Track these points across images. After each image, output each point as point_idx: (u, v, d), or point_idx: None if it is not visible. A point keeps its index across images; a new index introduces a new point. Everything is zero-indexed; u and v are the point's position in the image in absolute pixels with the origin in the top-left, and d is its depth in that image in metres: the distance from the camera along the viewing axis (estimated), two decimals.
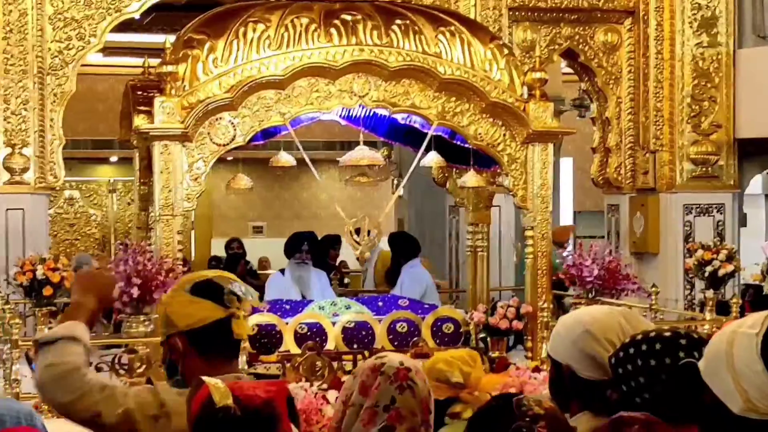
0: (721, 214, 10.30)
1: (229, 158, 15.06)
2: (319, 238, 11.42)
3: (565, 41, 10.20)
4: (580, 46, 10.26)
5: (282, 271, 9.97)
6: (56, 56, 9.09)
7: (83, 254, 13.39)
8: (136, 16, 9.48)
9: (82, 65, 8.65)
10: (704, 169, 10.22)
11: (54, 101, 9.08)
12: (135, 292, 6.72)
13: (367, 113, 8.12)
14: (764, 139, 10.13)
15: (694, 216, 10.25)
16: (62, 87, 9.11)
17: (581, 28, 10.27)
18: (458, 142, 7.85)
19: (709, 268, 7.69)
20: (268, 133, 7.79)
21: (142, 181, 8.45)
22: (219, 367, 3.17)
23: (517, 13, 10.01)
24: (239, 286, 3.27)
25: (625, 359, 2.76)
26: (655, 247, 10.18)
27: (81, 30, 9.14)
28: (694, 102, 10.20)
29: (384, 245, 10.83)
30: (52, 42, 9.08)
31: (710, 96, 10.22)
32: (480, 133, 7.53)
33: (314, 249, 9.99)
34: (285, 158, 8.12)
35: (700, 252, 7.78)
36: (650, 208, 10.27)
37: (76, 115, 17.10)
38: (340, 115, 8.15)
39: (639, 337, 2.78)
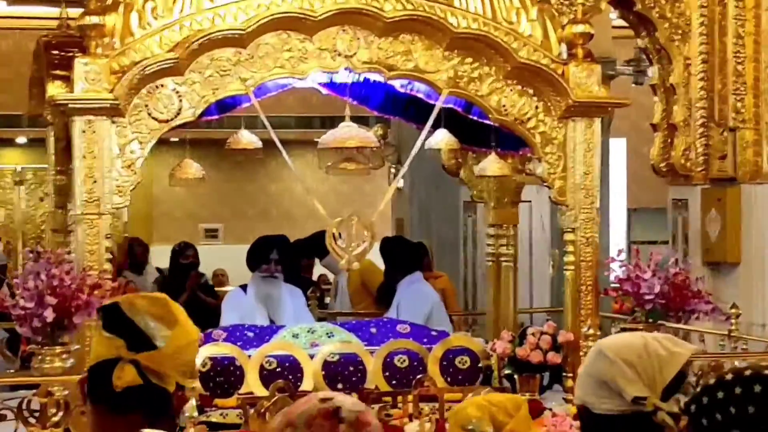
0: None
1: (174, 139, 15.07)
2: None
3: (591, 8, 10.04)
4: None
5: (243, 287, 9.71)
6: None
7: None
8: None
9: None
10: None
11: None
12: (49, 315, 6.58)
13: (356, 79, 8.07)
14: None
15: None
16: None
17: None
18: (475, 117, 7.79)
19: None
20: (224, 106, 7.74)
21: (58, 168, 8.27)
22: (110, 425, 3.09)
23: None
24: (144, 319, 3.09)
25: (712, 406, 2.68)
26: (734, 256, 9.94)
27: None
28: None
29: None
30: None
31: None
32: (504, 105, 7.46)
33: (286, 259, 9.72)
34: (247, 139, 8.09)
35: None
36: (729, 203, 10.04)
37: None
38: (320, 82, 8.09)
39: (728, 377, 2.69)
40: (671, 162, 10.17)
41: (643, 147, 12.81)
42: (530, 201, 9.51)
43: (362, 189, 18.39)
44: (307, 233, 13.35)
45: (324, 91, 8.39)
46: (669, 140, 10.19)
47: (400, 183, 12.28)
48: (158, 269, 16.53)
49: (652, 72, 10.56)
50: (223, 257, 18.35)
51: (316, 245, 10.43)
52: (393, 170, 15.24)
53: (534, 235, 9.93)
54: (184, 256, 13.91)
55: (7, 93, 16.51)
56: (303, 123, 18.44)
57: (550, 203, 8.61)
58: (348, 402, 2.87)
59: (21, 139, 19.04)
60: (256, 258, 9.40)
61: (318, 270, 14.33)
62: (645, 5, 9.95)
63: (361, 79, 8.09)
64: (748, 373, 2.68)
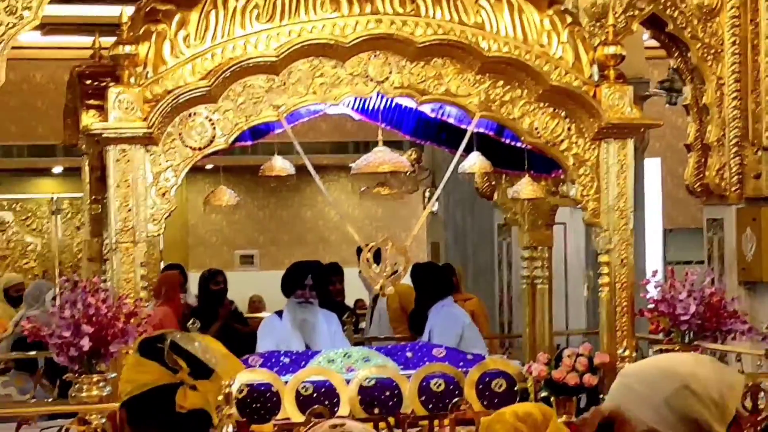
0: None
1: (209, 166, 14.99)
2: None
3: (648, 5, 9.84)
4: (668, 11, 9.85)
5: (279, 313, 9.65)
6: None
7: (41, 282, 13.08)
8: None
9: (13, 47, 8.39)
10: None
11: None
12: (86, 343, 6.50)
13: (388, 104, 8.00)
14: None
15: None
16: None
17: None
18: (508, 140, 7.75)
19: None
20: (257, 132, 7.68)
21: (93, 197, 8.11)
22: None
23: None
24: (199, 345, 3.13)
25: None
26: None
27: (10, 2, 8.96)
28: None
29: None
30: None
31: None
32: (537, 128, 7.39)
33: (321, 284, 9.73)
34: (281, 165, 7.97)
35: None
36: (765, 222, 9.90)
37: (6, 114, 17.08)
38: (353, 107, 8.02)
39: None
40: (706, 182, 10.06)
41: (677, 167, 12.67)
42: (564, 223, 9.36)
43: (397, 213, 18.25)
44: (342, 259, 13.32)
45: (356, 116, 8.27)
46: (703, 160, 10.07)
47: (435, 207, 12.12)
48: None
49: (686, 92, 10.33)
50: (258, 283, 18.23)
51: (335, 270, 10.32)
52: (427, 194, 15.09)
53: (569, 257, 9.78)
54: (215, 282, 13.76)
55: (43, 123, 16.41)
56: (337, 148, 18.27)
57: (585, 225, 8.53)
58: (358, 428, 2.84)
59: (57, 169, 18.99)
60: (291, 284, 9.35)
61: (353, 294, 14.26)
62: (677, 26, 9.85)
63: (394, 104, 8.02)
64: None
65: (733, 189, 10.02)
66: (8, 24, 8.66)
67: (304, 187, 19.94)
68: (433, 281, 9.70)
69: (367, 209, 19.44)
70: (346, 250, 17.90)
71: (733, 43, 9.98)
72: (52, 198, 19.28)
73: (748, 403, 7.34)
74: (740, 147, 10.02)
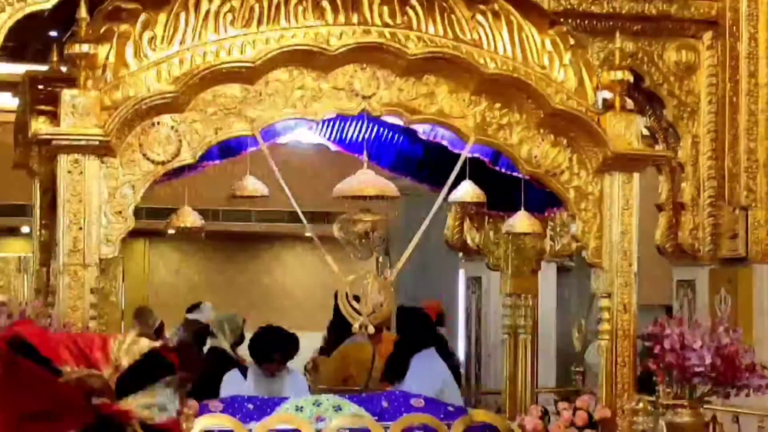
0: None
1: (171, 231, 14.15)
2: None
3: (624, 61, 8.89)
4: (645, 67, 9.11)
5: (243, 370, 8.84)
6: None
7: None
8: (47, 6, 8.02)
9: None
10: None
11: None
12: None
13: (368, 135, 6.99)
14: None
15: None
16: None
17: (646, 43, 9.17)
18: (503, 169, 6.71)
19: None
20: (228, 149, 6.54)
21: (43, 223, 7.12)
22: None
23: (562, 20, 8.66)
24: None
25: None
26: (747, 337, 8.78)
27: None
28: None
29: None
30: None
31: None
32: (536, 156, 6.32)
33: (291, 356, 8.75)
34: (253, 185, 6.79)
35: None
36: (740, 283, 9.19)
37: None
38: (329, 137, 7.10)
39: None
40: (678, 242, 9.26)
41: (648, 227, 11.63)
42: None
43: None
44: (294, 323, 12.36)
45: (333, 147, 7.29)
46: (674, 220, 9.30)
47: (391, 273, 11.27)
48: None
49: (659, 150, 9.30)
50: None
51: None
52: (381, 260, 14.11)
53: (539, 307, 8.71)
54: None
55: (12, 184, 15.61)
56: (293, 218, 17.48)
57: (557, 271, 8.10)
58: None
59: (25, 229, 18.03)
60: (259, 354, 8.57)
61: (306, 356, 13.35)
62: (653, 81, 9.17)
63: (373, 135, 7.08)
64: None
65: (707, 249, 9.22)
66: None
67: (261, 254, 19.65)
68: (419, 329, 8.70)
69: (322, 278, 18.55)
70: (299, 316, 17.72)
71: (710, 101, 9.27)
72: (20, 257, 18.58)
73: None
74: (715, 206, 9.23)
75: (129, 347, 2.31)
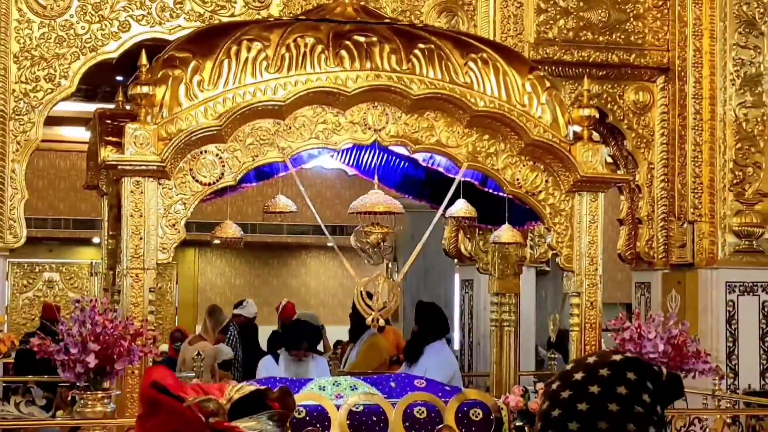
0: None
1: (216, 242, 14.16)
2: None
3: (590, 100, 8.84)
4: (609, 106, 8.99)
5: (275, 357, 8.66)
6: (21, 99, 7.84)
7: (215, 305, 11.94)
8: (114, 56, 7.97)
9: (68, 141, 7.63)
10: (749, 242, 8.97)
11: (17, 150, 7.78)
12: (92, 360, 5.25)
13: (379, 162, 6.93)
14: None
15: (738, 295, 8.99)
16: (26, 134, 7.86)
17: (609, 86, 9.06)
18: (490, 190, 6.61)
19: None
20: (263, 173, 6.54)
21: (110, 233, 7.03)
22: None
23: (539, 67, 8.59)
24: None
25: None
26: (693, 330, 8.69)
27: (51, 70, 7.88)
28: (737, 168, 8.99)
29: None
30: (16, 83, 7.83)
31: (755, 161, 9.02)
32: (518, 179, 6.25)
33: (316, 344, 8.97)
34: (284, 203, 6.82)
35: None
36: (688, 286, 9.01)
37: (57, 194, 16.84)
38: (348, 163, 7.00)
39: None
40: (636, 251, 9.17)
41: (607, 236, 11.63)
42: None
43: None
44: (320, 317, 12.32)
45: (351, 171, 7.20)
46: (633, 233, 9.20)
47: (398, 277, 11.17)
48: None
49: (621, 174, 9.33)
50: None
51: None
52: (390, 266, 14.00)
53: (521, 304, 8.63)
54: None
55: (85, 202, 15.97)
56: (317, 230, 17.62)
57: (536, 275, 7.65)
58: None
59: (96, 239, 18.05)
60: (290, 342, 8.53)
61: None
62: (615, 118, 9.05)
63: (383, 162, 7.01)
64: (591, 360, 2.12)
65: (660, 257, 9.12)
66: (47, 90, 7.89)
67: (290, 261, 19.63)
68: (435, 321, 8.48)
69: (341, 280, 18.44)
70: (322, 312, 17.46)
71: (662, 134, 9.15)
72: (92, 263, 18.05)
73: None
74: (667, 221, 9.12)
75: (240, 388, 2.32)
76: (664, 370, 2.08)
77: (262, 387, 2.22)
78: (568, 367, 2.14)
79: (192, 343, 10.67)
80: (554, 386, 2.10)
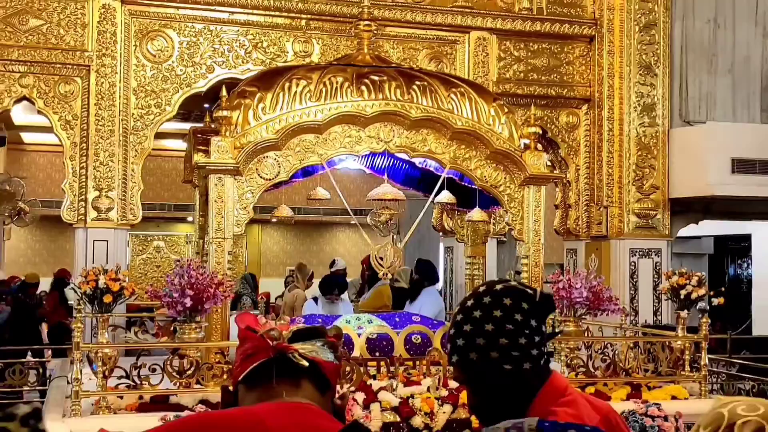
0: (658, 257, 8.97)
1: (273, 220, 13.98)
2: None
3: (536, 121, 8.80)
4: (548, 125, 8.92)
5: (315, 299, 8.49)
6: (138, 120, 7.89)
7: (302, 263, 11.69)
8: (203, 90, 7.94)
9: (170, 149, 7.51)
10: (645, 221, 8.92)
11: (135, 155, 7.84)
12: (188, 302, 5.20)
13: (389, 164, 6.85)
14: (691, 198, 9.00)
15: (638, 258, 8.92)
16: (142, 145, 7.91)
17: (548, 111, 8.99)
18: (466, 183, 6.49)
19: (683, 292, 6.04)
20: (307, 172, 6.38)
21: (201, 213, 6.96)
22: None
23: (500, 98, 8.52)
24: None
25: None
26: (606, 282, 8.52)
27: (158, 100, 7.89)
28: (637, 169, 8.92)
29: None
30: (135, 108, 7.88)
31: (650, 164, 8.95)
32: (485, 176, 6.14)
33: (343, 290, 8.69)
34: (322, 193, 6.68)
35: (674, 278, 6.15)
36: (603, 251, 8.90)
37: (162, 186, 16.71)
38: (366, 165, 6.92)
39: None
40: (567, 227, 9.12)
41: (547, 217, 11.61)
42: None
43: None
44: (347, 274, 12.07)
45: (368, 171, 7.07)
46: (565, 214, 9.14)
47: (400, 244, 11.06)
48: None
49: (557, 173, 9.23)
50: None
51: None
52: (395, 238, 13.84)
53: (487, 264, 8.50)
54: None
55: (182, 192, 15.78)
56: (345, 212, 17.48)
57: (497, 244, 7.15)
58: None
59: (189, 218, 17.89)
60: (326, 289, 8.40)
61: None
62: (553, 134, 9.02)
63: (392, 163, 6.91)
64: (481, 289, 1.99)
65: (584, 231, 9.08)
66: (156, 113, 7.90)
67: (325, 234, 19.87)
68: (429, 272, 8.34)
69: (361, 248, 18.31)
70: (348, 270, 16.79)
71: (586, 145, 9.09)
72: (186, 235, 18.10)
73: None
74: (588, 206, 9.07)
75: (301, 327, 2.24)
76: (538, 292, 1.97)
77: (319, 326, 2.14)
78: (467, 295, 2.02)
79: (290, 291, 10.67)
80: (456, 310, 2.02)
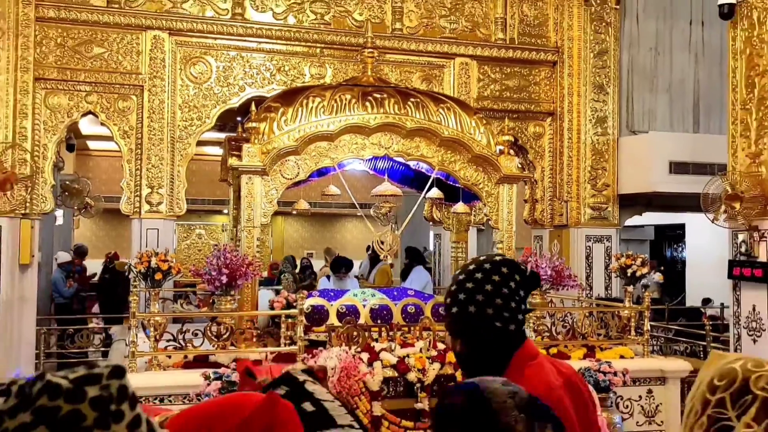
0: (609, 242, 8.93)
1: (293, 212, 13.86)
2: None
3: (509, 131, 8.75)
4: (518, 134, 8.89)
5: (328, 277, 8.58)
6: (182, 130, 7.85)
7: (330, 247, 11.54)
8: (236, 105, 7.92)
9: (209, 155, 7.43)
10: (598, 213, 8.88)
11: (180, 159, 7.78)
12: (224, 279, 5.20)
13: (388, 166, 6.75)
14: (636, 194, 8.96)
15: (592, 243, 8.88)
16: (185, 150, 7.87)
17: (519, 123, 8.94)
18: (451, 182, 6.40)
19: (629, 270, 6.02)
20: (321, 172, 6.30)
21: (234, 207, 6.94)
22: None
23: (480, 112, 8.53)
24: None
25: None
26: (567, 263, 8.29)
27: (199, 113, 7.81)
28: (592, 170, 8.87)
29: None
30: (180, 121, 7.84)
31: (602, 167, 8.90)
32: (467, 176, 6.08)
33: (350, 269, 8.63)
34: (334, 189, 6.65)
35: (623, 259, 6.12)
36: (564, 238, 8.87)
37: (203, 185, 16.59)
38: (369, 167, 6.80)
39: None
40: (535, 218, 9.08)
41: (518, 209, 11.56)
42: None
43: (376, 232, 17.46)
44: (354, 256, 11.98)
45: (371, 171, 6.94)
46: (532, 207, 9.08)
47: (398, 231, 10.98)
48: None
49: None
50: (316, 264, 16.88)
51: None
52: (393, 227, 13.74)
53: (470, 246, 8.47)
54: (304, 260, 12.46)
55: (220, 189, 15.59)
56: (352, 206, 17.32)
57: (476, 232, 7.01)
58: None
59: (225, 211, 17.85)
60: (336, 268, 8.38)
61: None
62: (523, 142, 8.92)
63: (391, 166, 6.79)
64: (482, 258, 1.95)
65: (548, 221, 9.02)
66: (197, 124, 7.90)
67: (336, 224, 19.78)
68: (416, 255, 8.56)
69: (366, 236, 18.25)
70: (354, 254, 16.63)
71: (550, 151, 9.02)
72: (222, 224, 17.65)
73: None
74: (552, 201, 9.01)
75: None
76: (529, 268, 1.93)
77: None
78: (468, 261, 1.99)
79: (321, 269, 10.69)
80: (458, 272, 1.97)
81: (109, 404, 0.55)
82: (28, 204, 7.24)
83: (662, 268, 6.59)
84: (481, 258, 1.96)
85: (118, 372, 0.65)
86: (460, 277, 1.93)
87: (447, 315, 1.95)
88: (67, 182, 8.49)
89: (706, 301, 11.69)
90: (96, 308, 11.15)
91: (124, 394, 0.57)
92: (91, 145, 15.34)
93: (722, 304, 9.86)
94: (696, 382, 1.18)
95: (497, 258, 1.94)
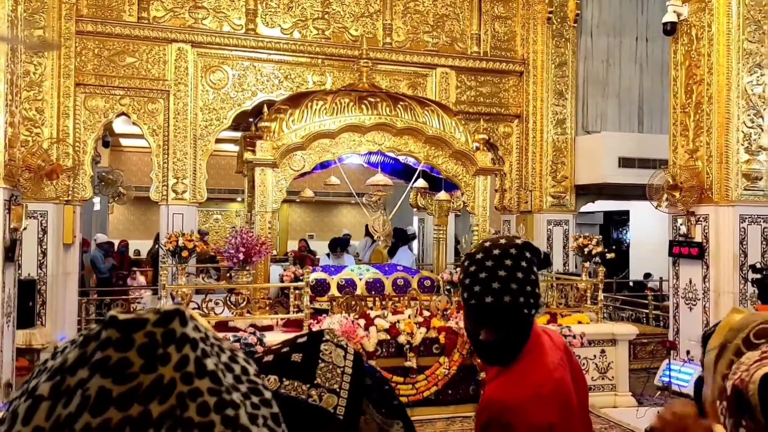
0: (566, 225, 8.88)
1: (298, 200, 13.70)
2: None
3: (483, 130, 8.71)
4: (491, 134, 8.75)
5: (328, 255, 8.39)
6: (203, 129, 7.67)
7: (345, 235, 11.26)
8: (249, 108, 7.80)
9: (226, 150, 7.30)
10: (558, 200, 8.81)
11: (201, 154, 7.62)
12: (241, 256, 5.16)
13: (381, 160, 6.67)
14: (590, 185, 8.87)
15: (553, 227, 8.82)
16: (206, 147, 7.72)
17: (491, 124, 8.83)
18: (435, 174, 6.36)
19: (586, 249, 6.01)
20: (323, 165, 6.17)
21: (249, 195, 6.81)
22: None
23: (459, 114, 8.48)
24: None
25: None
26: None
27: (217, 115, 7.66)
28: (553, 164, 8.80)
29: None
30: (201, 121, 7.66)
31: (561, 161, 8.83)
32: (448, 169, 6.05)
33: (346, 248, 8.53)
34: (334, 180, 6.72)
35: (580, 240, 6.11)
36: (528, 223, 8.80)
37: (220, 176, 16.39)
38: (365, 162, 6.70)
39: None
40: (504, 205, 8.92)
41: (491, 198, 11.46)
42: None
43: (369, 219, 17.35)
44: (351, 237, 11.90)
45: (365, 165, 6.83)
46: (502, 196, 8.91)
47: (389, 216, 10.90)
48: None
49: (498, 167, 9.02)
50: (314, 244, 16.69)
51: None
52: (384, 212, 13.66)
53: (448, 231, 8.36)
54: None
55: (235, 180, 15.42)
56: (350, 194, 17.13)
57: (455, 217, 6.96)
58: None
59: (239, 199, 17.62)
60: (333, 247, 8.16)
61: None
62: (494, 140, 8.72)
63: (383, 160, 6.68)
64: (502, 242, 1.55)
65: (515, 208, 8.88)
66: (216, 124, 7.74)
67: (336, 211, 19.29)
68: (403, 236, 8.31)
69: (361, 221, 18.14)
70: (352, 236, 16.59)
71: (517, 148, 8.87)
72: (236, 210, 17.62)
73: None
74: (519, 190, 8.88)
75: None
76: (543, 252, 1.62)
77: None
78: (487, 244, 1.58)
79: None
80: (481, 257, 1.56)
81: (156, 349, 0.51)
82: (70, 192, 7.14)
83: (614, 247, 6.61)
84: (502, 242, 1.58)
85: (166, 318, 0.61)
86: (488, 263, 1.53)
87: (478, 305, 1.52)
88: (103, 174, 8.37)
89: (647, 276, 11.75)
90: (138, 282, 11.06)
91: (170, 338, 0.53)
92: (123, 142, 15.14)
93: (661, 278, 9.91)
94: (730, 327, 1.16)
95: (518, 242, 1.58)
